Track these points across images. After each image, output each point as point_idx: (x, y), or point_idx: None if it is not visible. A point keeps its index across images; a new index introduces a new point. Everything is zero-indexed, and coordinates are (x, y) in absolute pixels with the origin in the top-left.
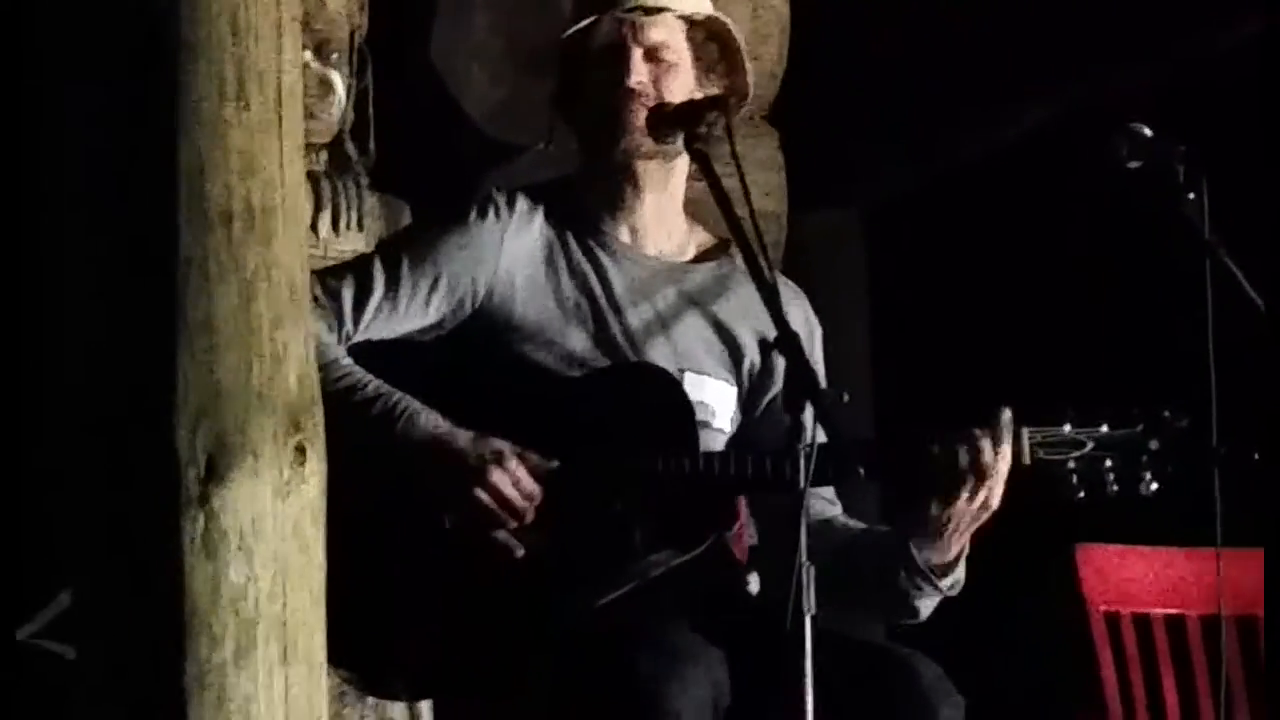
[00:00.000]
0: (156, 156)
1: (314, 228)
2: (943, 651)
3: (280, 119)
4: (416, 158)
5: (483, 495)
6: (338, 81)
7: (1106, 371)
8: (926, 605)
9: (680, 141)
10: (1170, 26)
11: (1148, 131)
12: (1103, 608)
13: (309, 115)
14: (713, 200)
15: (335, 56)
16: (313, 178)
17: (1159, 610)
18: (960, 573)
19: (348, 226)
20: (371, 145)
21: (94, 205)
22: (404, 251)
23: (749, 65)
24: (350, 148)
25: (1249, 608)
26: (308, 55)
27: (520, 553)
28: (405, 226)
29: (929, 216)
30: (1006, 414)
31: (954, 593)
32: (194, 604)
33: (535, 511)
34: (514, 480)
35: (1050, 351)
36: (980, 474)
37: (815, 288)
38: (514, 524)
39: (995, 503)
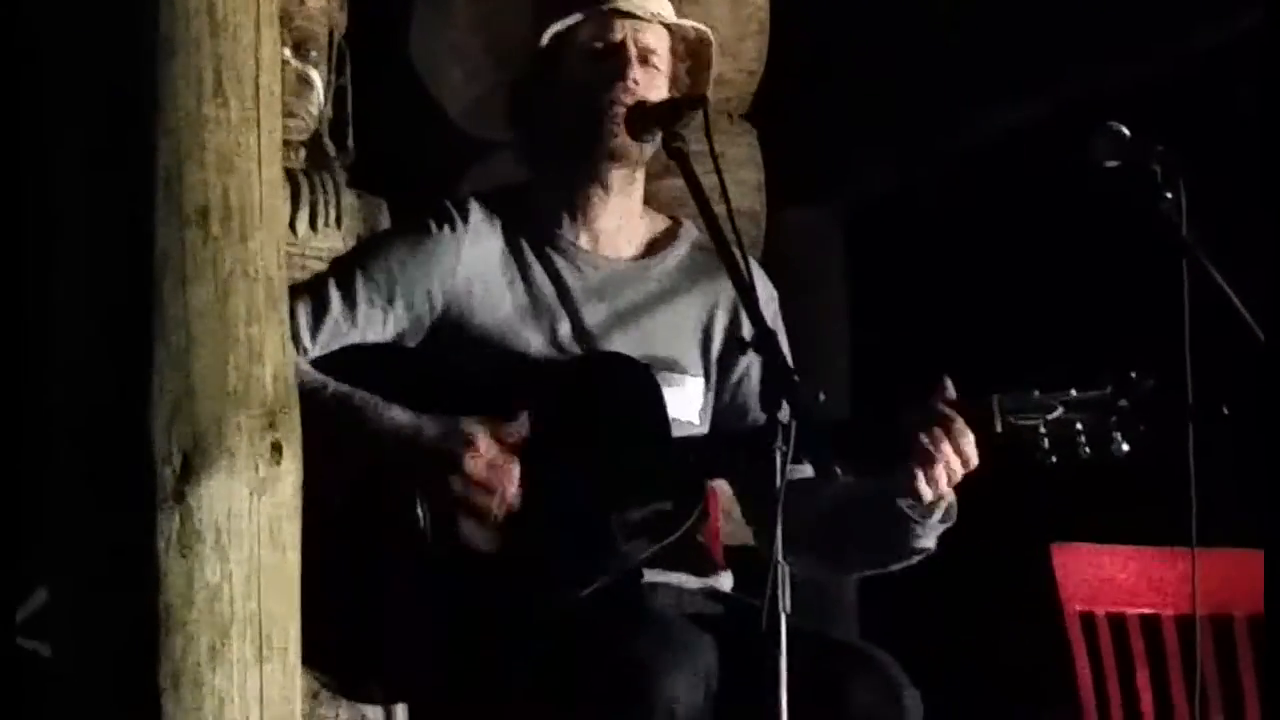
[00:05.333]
0: (134, 153)
1: (292, 225)
2: (918, 650)
3: (258, 116)
4: (394, 155)
5: (457, 481)
6: (316, 79)
7: (1082, 362)
8: (930, 539)
9: (658, 140)
10: (1148, 26)
11: (1126, 131)
12: (1078, 607)
13: (287, 113)
14: (689, 197)
15: (314, 54)
16: (291, 175)
17: (1134, 610)
18: (948, 499)
19: (326, 224)
20: (350, 143)
21: (71, 201)
22: (359, 268)
23: (712, 81)
24: (328, 145)
25: (1224, 607)
26: (286, 53)
27: (490, 548)
28: (359, 243)
29: (908, 214)
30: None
31: (951, 520)
32: (169, 601)
33: (514, 490)
34: (488, 461)
35: (1027, 346)
36: (953, 449)
37: (794, 285)
38: (493, 507)
39: (973, 462)
